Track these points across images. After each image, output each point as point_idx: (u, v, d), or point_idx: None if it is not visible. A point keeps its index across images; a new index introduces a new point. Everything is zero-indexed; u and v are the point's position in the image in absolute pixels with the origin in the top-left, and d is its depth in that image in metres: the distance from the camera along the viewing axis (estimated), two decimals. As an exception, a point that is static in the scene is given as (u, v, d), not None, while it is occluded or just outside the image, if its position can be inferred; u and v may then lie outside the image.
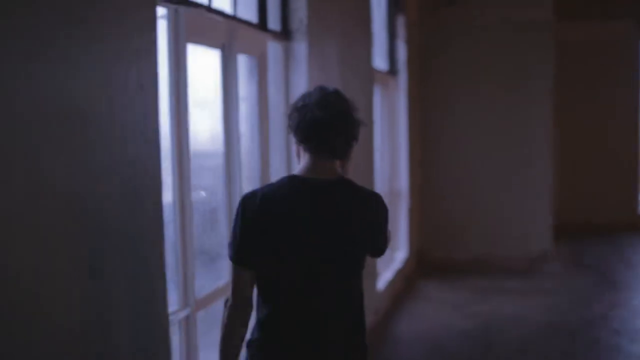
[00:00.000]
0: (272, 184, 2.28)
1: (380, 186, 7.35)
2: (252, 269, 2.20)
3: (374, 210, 2.30)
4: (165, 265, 2.65)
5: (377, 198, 2.32)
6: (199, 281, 3.22)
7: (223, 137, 3.49)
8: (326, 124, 2.17)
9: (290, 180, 2.24)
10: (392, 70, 7.88)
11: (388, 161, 7.80)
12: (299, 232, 2.17)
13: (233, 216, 2.27)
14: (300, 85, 4.29)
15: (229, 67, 3.48)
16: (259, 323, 2.25)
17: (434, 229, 8.95)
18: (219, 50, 3.44)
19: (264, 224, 2.16)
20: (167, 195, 3.01)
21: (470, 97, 8.84)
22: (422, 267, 8.67)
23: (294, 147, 2.34)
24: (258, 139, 3.93)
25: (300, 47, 4.32)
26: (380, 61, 7.41)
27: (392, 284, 7.21)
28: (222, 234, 3.55)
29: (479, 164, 8.89)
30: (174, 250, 3.01)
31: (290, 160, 4.13)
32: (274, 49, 4.21)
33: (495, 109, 8.81)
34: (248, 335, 2.30)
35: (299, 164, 2.30)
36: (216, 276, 3.54)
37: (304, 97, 2.26)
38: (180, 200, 3.02)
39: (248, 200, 2.20)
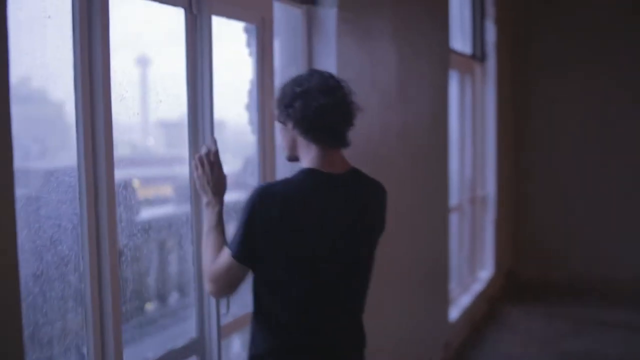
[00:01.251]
0: (290, 180, 2.08)
1: (458, 192, 6.16)
2: (251, 269, 2.08)
3: (382, 201, 2.26)
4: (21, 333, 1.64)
5: (382, 186, 2.26)
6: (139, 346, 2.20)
7: (188, 130, 2.46)
8: (335, 111, 2.06)
9: (311, 176, 2.07)
10: (478, 55, 6.63)
11: (470, 162, 6.58)
12: (330, 234, 2.07)
13: (243, 211, 2.02)
14: (328, 67, 3.20)
15: (199, 34, 2.44)
16: (279, 328, 2.08)
17: (526, 243, 7.65)
18: (183, 10, 2.41)
19: (288, 225, 2.00)
20: (71, 207, 2.01)
21: (578, 89, 7.46)
22: (511, 288, 7.38)
23: (284, 137, 2.13)
24: (259, 131, 2.89)
25: (328, 14, 3.22)
26: (462, 43, 6.19)
27: (470, 310, 6.01)
28: (186, 261, 2.52)
29: (585, 168, 7.50)
30: (82, 301, 2.01)
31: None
32: (289, 15, 3.14)
33: (610, 103, 7.39)
34: (260, 347, 2.11)
35: (300, 156, 2.12)
36: (171, 335, 2.52)
37: (300, 81, 2.08)
38: (91, 217, 2.01)
39: (266, 198, 2.00)
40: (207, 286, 2.13)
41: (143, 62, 9.73)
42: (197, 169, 2.32)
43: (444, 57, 5.13)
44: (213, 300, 2.51)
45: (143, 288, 2.50)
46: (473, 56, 6.49)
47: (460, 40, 6.15)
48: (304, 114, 2.04)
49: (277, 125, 2.15)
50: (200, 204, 2.46)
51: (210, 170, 2.31)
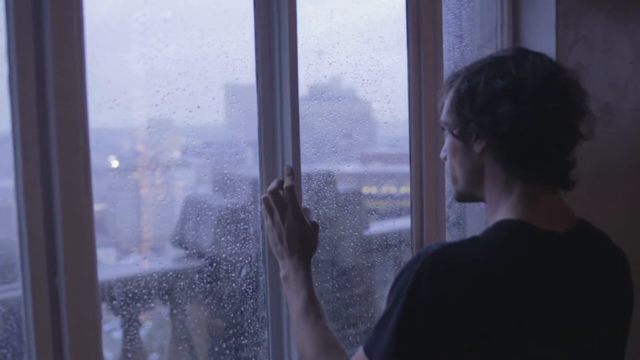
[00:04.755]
0: (481, 241, 1.18)
1: None
2: None
3: (630, 277, 1.34)
4: None
5: (623, 252, 1.34)
6: None
7: (258, 146, 1.59)
8: (567, 125, 1.23)
9: (521, 235, 1.19)
10: None
11: None
12: (559, 339, 1.17)
13: (393, 297, 1.15)
14: (545, 47, 2.07)
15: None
16: None
17: None
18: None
19: (487, 323, 1.10)
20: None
21: None
22: None
23: (460, 162, 1.31)
24: (413, 150, 1.91)
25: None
26: None
27: None
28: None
29: None
30: None
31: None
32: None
33: None
34: None
35: (486, 196, 1.29)
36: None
37: (502, 69, 1.23)
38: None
39: (442, 272, 1.11)
40: None
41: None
42: (266, 217, 1.45)
43: None
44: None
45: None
46: None
47: None
48: (512, 128, 1.20)
49: (450, 143, 1.32)
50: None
51: (281, 217, 1.43)
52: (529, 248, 1.19)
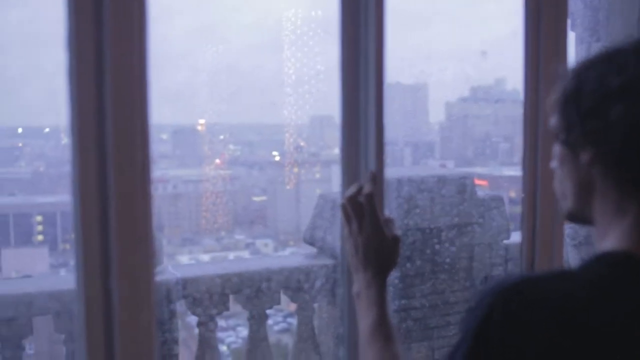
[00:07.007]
0: (574, 276, 0.99)
1: None
2: None
3: None
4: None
5: None
6: None
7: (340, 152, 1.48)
8: None
9: (626, 272, 0.98)
10: None
11: None
12: None
13: (462, 333, 0.98)
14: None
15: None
16: None
17: None
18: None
19: None
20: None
21: None
22: None
23: (567, 175, 1.10)
24: (525, 163, 1.71)
25: None
26: None
27: None
28: None
29: None
30: None
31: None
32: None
33: None
34: None
35: (595, 217, 1.07)
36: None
37: (618, 63, 1.01)
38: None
39: (511, 316, 0.93)
40: None
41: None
42: (345, 226, 1.36)
43: None
44: None
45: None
46: None
47: None
48: (626, 136, 1.00)
49: (558, 151, 1.13)
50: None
51: (358, 227, 1.31)
52: (637, 291, 0.96)
